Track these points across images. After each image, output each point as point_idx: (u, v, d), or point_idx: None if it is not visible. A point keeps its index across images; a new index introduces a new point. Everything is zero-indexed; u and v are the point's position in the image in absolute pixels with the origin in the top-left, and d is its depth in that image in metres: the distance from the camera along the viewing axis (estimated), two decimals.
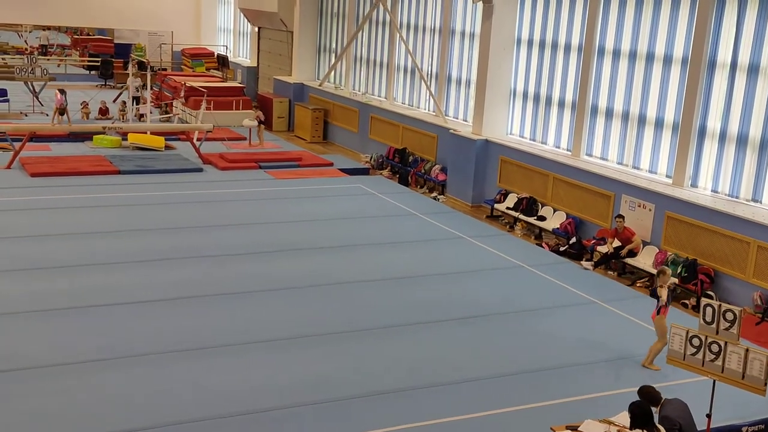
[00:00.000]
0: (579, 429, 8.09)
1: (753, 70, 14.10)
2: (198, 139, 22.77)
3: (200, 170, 21.21)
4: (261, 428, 8.77)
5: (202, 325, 11.39)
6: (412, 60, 24.04)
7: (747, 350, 8.43)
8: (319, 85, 29.02)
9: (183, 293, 12.54)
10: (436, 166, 21.70)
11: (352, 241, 15.68)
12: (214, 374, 9.96)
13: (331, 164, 22.74)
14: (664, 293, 10.62)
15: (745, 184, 14.38)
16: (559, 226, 17.18)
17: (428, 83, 23.47)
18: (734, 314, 8.52)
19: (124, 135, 23.37)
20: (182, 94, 28.23)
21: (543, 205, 18.05)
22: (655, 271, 14.44)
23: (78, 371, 9.86)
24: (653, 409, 7.85)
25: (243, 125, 25.39)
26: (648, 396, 7.93)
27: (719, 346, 8.56)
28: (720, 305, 8.65)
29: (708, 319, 8.68)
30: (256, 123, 24.68)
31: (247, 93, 31.11)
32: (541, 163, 18.23)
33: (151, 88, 26.31)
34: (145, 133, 23.31)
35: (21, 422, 8.64)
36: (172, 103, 28.51)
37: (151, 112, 24.65)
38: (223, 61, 35.47)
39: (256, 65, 34.83)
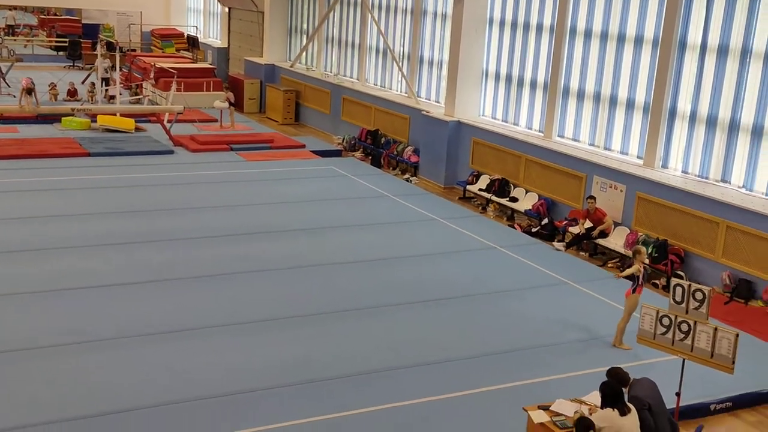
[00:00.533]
0: (551, 408, 8.16)
1: (722, 51, 14.20)
2: (168, 121, 22.56)
3: (171, 152, 21.03)
4: (240, 410, 8.75)
5: (177, 308, 11.33)
6: (384, 41, 23.95)
7: (716, 329, 8.55)
8: (291, 66, 28.83)
9: (157, 276, 12.46)
10: (409, 147, 21.69)
11: (325, 224, 15.65)
12: (191, 357, 9.92)
13: (303, 146, 22.65)
14: (633, 270, 10.73)
15: (714, 165, 14.52)
16: (531, 207, 17.26)
17: (400, 64, 23.41)
18: (703, 294, 8.62)
19: (93, 117, 23.11)
20: (152, 75, 27.92)
21: (515, 186, 18.11)
22: (626, 252, 14.58)
23: (53, 355, 9.78)
24: (623, 389, 7.94)
25: (214, 107, 25.19)
26: (617, 377, 8.01)
27: (689, 325, 8.67)
28: (690, 285, 8.76)
29: (678, 298, 8.79)
30: (227, 104, 24.49)
31: (217, 74, 30.84)
32: (514, 145, 18.27)
33: (121, 70, 25.98)
34: (115, 114, 23.06)
35: None
36: (141, 84, 28.19)
37: (120, 94, 24.36)
38: (193, 42, 35.11)
39: (226, 46, 34.50)
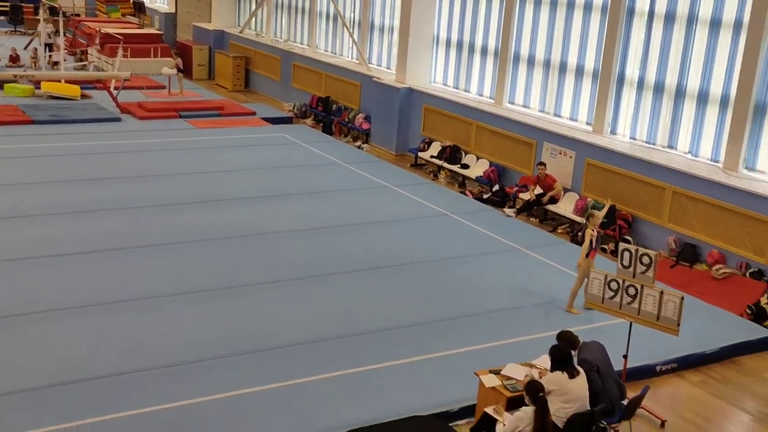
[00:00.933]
0: (502, 372, 8.28)
1: (669, 18, 14.34)
2: (115, 88, 22.13)
3: (118, 120, 20.65)
4: (186, 379, 8.69)
5: (128, 277, 11.20)
6: (335, 6, 23.72)
7: (662, 293, 8.72)
8: (240, 32, 28.42)
9: (106, 246, 12.28)
10: (360, 114, 21.60)
11: (276, 191, 15.56)
12: (143, 326, 9.83)
13: (254, 113, 22.43)
14: (588, 239, 10.83)
15: (661, 131, 14.72)
16: (482, 173, 17.35)
17: (351, 30, 23.22)
18: (650, 258, 8.78)
19: (36, 83, 22.57)
20: (97, 41, 27.31)
21: (466, 153, 18.18)
22: (575, 218, 14.78)
23: (7, 325, 9.62)
24: (572, 352, 8.08)
25: (162, 73, 24.76)
26: (567, 340, 8.14)
27: (636, 289, 8.83)
28: (637, 249, 8.91)
29: (625, 263, 8.94)
30: (175, 71, 24.09)
31: (165, 40, 30.28)
32: (465, 112, 18.30)
33: (65, 35, 25.34)
34: (59, 81, 22.54)
35: None
36: (86, 50, 27.55)
37: (65, 60, 23.79)
38: (139, 7, 34.39)
39: (174, 11, 33.84)
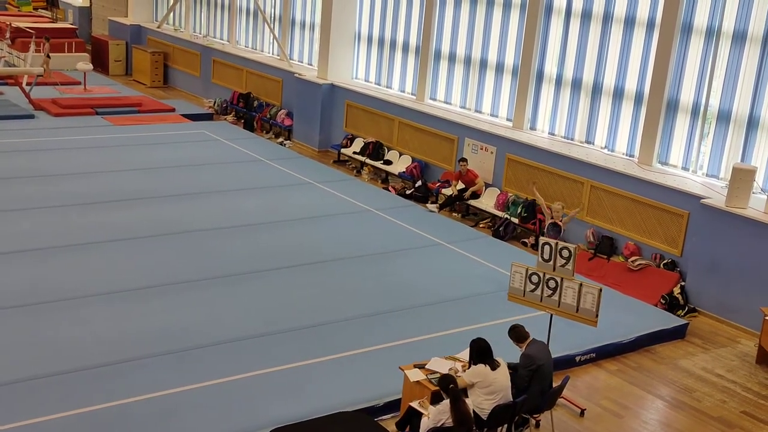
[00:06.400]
0: (426, 366, 8.35)
1: (586, 16, 14.67)
2: (28, 84, 21.47)
3: (32, 117, 20.03)
4: (109, 380, 8.51)
5: (44, 278, 10.89)
6: (255, 2, 23.49)
7: (581, 285, 8.93)
8: (158, 27, 27.89)
9: (22, 246, 11.91)
10: (282, 110, 21.46)
11: (198, 189, 15.34)
12: (58, 328, 9.57)
13: (173, 110, 22.06)
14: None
15: (579, 127, 15.05)
16: (405, 169, 17.44)
17: (272, 26, 23.04)
18: (569, 251, 8.97)
19: None
20: (8, 35, 26.44)
21: (389, 149, 18.24)
22: (497, 212, 15.01)
23: None
24: (519, 345, 8.22)
25: (77, 69, 24.11)
26: (517, 334, 8.27)
27: (556, 282, 9.01)
28: (557, 243, 9.09)
29: (546, 256, 9.11)
30: (90, 67, 23.50)
31: (80, 35, 29.51)
32: (387, 108, 18.36)
33: None
34: None
35: None
36: None
37: None
38: (51, 1, 33.42)
39: (88, 5, 33.01)
